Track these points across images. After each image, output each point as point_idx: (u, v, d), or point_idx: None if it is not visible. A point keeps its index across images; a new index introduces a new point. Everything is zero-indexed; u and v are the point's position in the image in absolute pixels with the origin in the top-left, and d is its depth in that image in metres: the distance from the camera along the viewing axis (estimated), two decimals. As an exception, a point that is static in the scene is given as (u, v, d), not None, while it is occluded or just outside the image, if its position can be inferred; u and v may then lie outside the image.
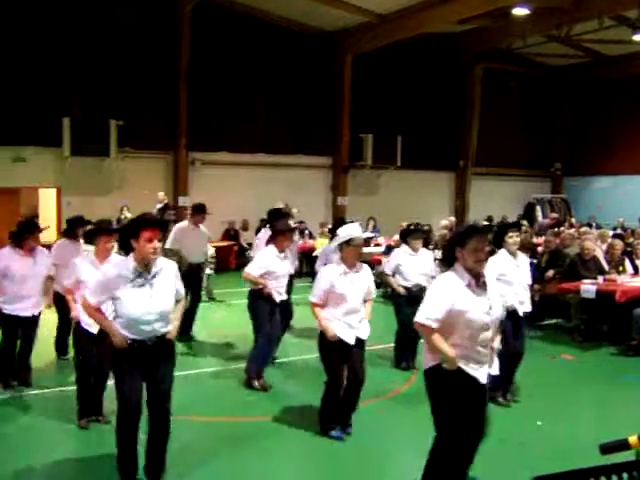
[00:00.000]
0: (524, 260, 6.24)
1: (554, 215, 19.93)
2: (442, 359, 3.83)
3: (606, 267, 9.34)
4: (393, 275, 7.38)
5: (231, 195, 15.86)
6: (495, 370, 4.07)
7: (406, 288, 7.27)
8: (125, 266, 4.21)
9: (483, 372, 3.92)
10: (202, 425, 5.67)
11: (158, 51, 15.70)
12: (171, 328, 4.35)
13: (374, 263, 11.40)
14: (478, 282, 3.87)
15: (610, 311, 8.58)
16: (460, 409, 3.83)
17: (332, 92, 17.97)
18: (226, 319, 10.33)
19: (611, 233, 12.65)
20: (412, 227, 7.79)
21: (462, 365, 3.82)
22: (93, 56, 14.91)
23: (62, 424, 5.59)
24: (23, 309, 6.24)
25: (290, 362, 7.78)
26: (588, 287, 8.60)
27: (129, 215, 13.91)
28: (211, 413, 5.98)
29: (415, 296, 6.86)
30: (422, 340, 4.22)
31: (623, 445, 2.48)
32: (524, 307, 6.08)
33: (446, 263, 3.99)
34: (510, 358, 5.87)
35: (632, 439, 2.45)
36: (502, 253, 5.96)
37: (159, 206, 12.97)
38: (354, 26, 16.99)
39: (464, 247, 3.85)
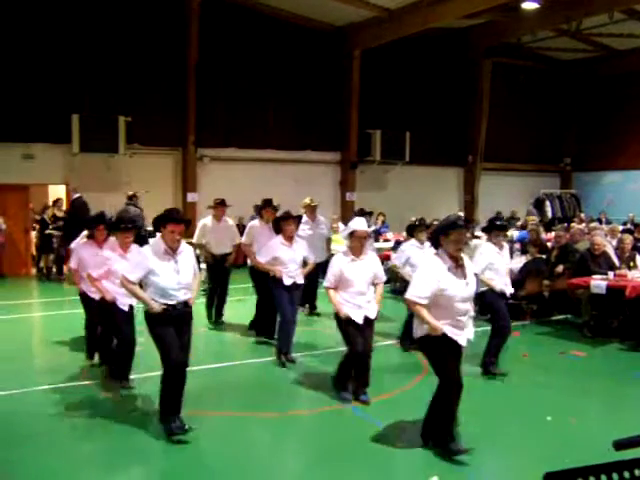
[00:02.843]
0: (506, 248, 7.23)
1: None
2: (429, 328, 4.68)
3: (617, 262, 9.29)
4: (404, 267, 8.03)
5: (239, 191, 15.76)
6: (471, 334, 4.93)
7: None
8: (157, 246, 5.24)
9: (463, 336, 4.83)
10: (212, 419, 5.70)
11: (166, 47, 15.72)
12: (192, 295, 5.38)
13: (383, 258, 11.39)
14: (457, 265, 4.74)
15: (620, 307, 8.54)
16: (447, 363, 4.80)
17: (340, 87, 17.93)
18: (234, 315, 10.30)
19: (621, 228, 12.55)
20: (416, 222, 8.43)
21: (446, 332, 4.69)
22: (102, 52, 14.96)
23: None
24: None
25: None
26: (598, 282, 8.56)
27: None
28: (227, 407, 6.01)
29: None
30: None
31: (638, 442, 2.46)
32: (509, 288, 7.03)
33: (434, 247, 4.92)
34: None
35: (648, 436, 2.43)
36: (490, 246, 6.93)
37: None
38: (362, 21, 16.94)
39: (448, 237, 4.69)
